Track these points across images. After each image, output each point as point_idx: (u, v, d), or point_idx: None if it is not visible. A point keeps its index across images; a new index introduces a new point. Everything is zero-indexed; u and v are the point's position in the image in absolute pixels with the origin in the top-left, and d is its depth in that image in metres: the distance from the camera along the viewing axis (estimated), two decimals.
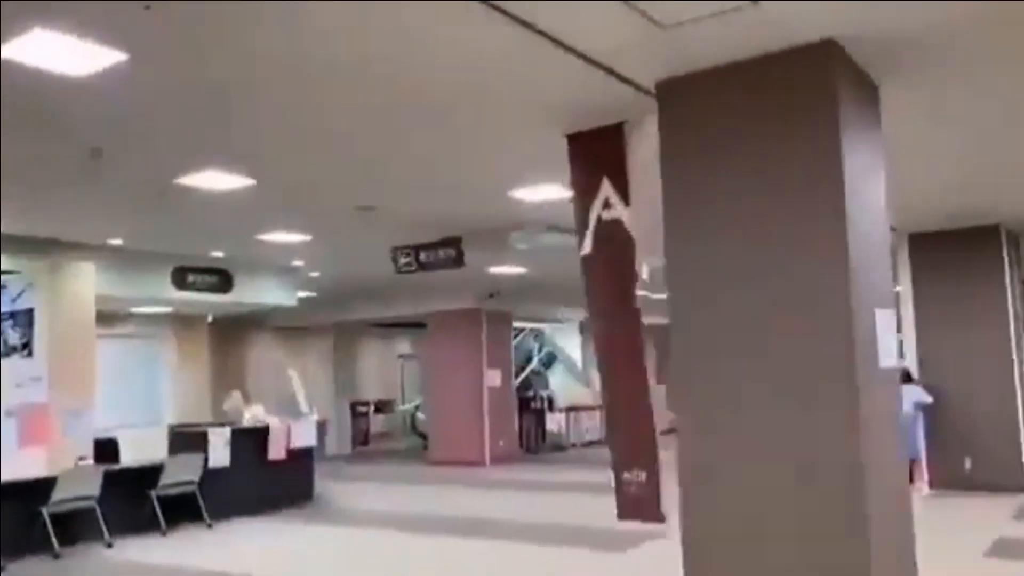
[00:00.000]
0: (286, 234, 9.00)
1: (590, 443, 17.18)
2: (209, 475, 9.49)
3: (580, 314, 18.83)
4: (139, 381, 12.66)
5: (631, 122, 5.20)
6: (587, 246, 5.43)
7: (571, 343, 21.90)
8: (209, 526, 9.23)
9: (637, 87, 4.60)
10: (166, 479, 9.04)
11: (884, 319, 4.34)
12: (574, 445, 17.22)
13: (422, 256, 8.76)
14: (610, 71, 4.40)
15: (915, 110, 5.28)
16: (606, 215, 5.45)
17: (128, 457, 9.25)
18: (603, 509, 9.79)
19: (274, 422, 10.68)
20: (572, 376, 21.28)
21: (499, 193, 7.44)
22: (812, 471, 3.93)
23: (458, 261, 8.57)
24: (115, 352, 12.10)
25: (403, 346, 23.59)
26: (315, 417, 11.21)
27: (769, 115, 4.16)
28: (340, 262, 11.33)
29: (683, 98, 4.46)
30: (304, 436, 10.76)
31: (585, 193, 5.42)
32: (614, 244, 5.30)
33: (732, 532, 4.18)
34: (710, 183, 4.36)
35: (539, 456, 16.15)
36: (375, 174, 6.68)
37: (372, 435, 20.06)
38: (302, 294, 12.67)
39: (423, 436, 19.11)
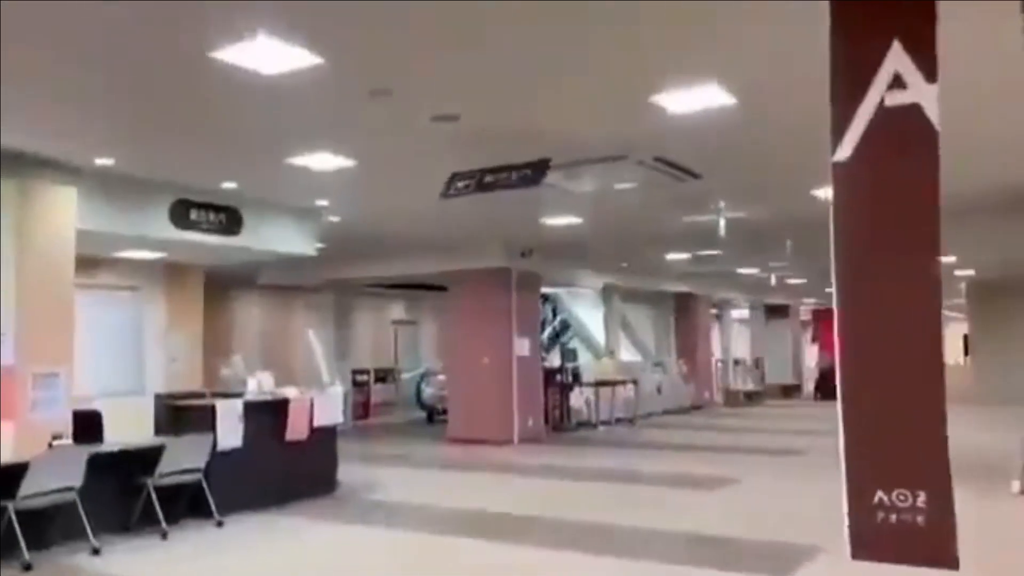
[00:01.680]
0: (329, 156, 7.06)
1: (618, 420, 15.51)
2: (217, 459, 7.61)
3: (602, 280, 17.13)
4: (120, 342, 10.60)
5: None
6: (846, 149, 3.60)
7: (587, 312, 20.20)
8: (219, 524, 7.36)
9: None
10: (167, 465, 7.13)
11: None
12: (605, 422, 15.53)
13: (487, 177, 6.90)
14: None
15: None
16: (892, 99, 3.62)
17: (114, 436, 7.35)
18: (699, 509, 8.30)
19: (292, 393, 8.79)
20: (587, 347, 19.62)
21: (636, 99, 5.61)
22: None
23: (534, 178, 6.71)
24: (92, 306, 10.05)
25: (397, 310, 21.71)
26: (340, 388, 9.32)
27: None
28: (375, 201, 9.38)
29: None
30: (329, 412, 8.88)
31: (854, 67, 3.57)
32: (903, 145, 3.47)
33: None
34: None
35: (567, 435, 14.45)
36: (471, 67, 4.84)
37: (372, 406, 18.18)
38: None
39: (430, 409, 17.36)
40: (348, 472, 9.44)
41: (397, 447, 13.27)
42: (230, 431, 7.83)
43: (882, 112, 3.48)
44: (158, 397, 9.08)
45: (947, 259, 16.00)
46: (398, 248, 13.43)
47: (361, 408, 17.53)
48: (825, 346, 30.11)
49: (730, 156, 7.57)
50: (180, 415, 8.11)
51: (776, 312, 26.66)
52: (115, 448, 7.08)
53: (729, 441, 13.33)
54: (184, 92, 5.43)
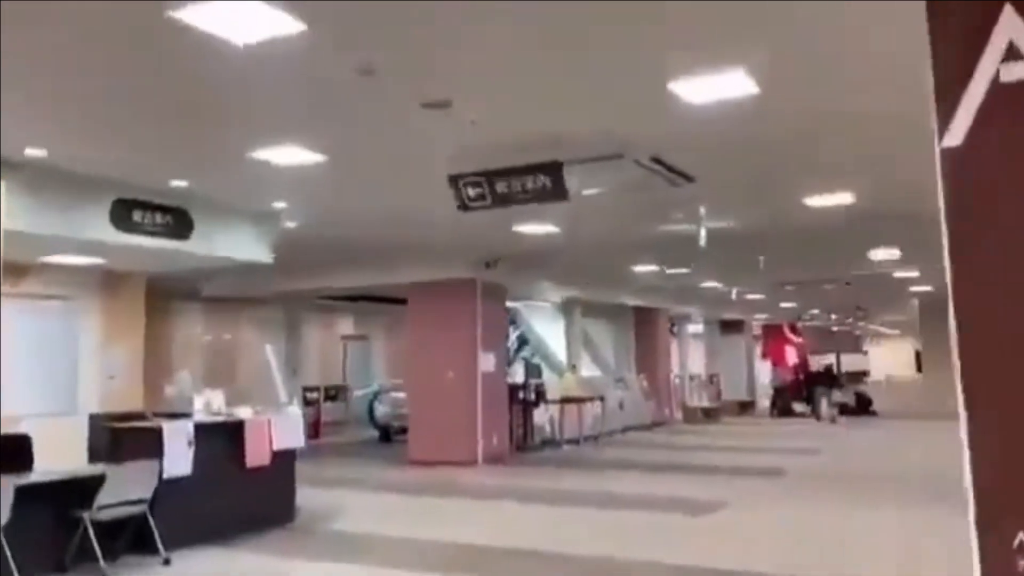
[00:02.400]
0: (298, 150, 6.34)
1: (581, 439, 14.93)
2: (164, 488, 6.77)
3: (563, 293, 16.60)
4: (50, 357, 9.59)
5: None
6: (956, 134, 3.07)
7: (545, 326, 19.65)
8: (166, 562, 6.52)
9: None
10: (107, 496, 6.26)
11: None
12: (570, 441, 14.92)
13: (499, 186, 6.25)
14: None
15: None
16: (1008, 73, 3.11)
17: (44, 462, 6.46)
18: (698, 537, 7.70)
19: (247, 414, 7.96)
20: (546, 363, 19.04)
21: (653, 84, 5.06)
22: None
23: (556, 192, 6.12)
24: (17, 317, 9.07)
25: (346, 325, 20.87)
26: (299, 409, 8.53)
27: None
28: (341, 204, 8.64)
29: None
30: (289, 434, 8.08)
31: (960, 40, 3.06)
32: None
33: None
34: None
35: (531, 455, 13.80)
36: (470, 45, 4.23)
37: (322, 425, 17.26)
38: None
39: (384, 428, 16.54)
40: (305, 498, 8.63)
41: (354, 469, 12.44)
42: (179, 456, 6.99)
43: (997, 89, 2.95)
44: (94, 418, 8.18)
45: (909, 274, 15.92)
46: (356, 258, 12.67)
47: (311, 427, 16.58)
48: (777, 362, 30.24)
49: (729, 158, 7.10)
50: (120, 439, 7.24)
51: (730, 327, 26.54)
52: (48, 478, 6.21)
53: (703, 460, 12.86)
54: (133, 64, 4.67)
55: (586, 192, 7.44)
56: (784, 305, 23.89)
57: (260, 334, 16.69)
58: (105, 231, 7.48)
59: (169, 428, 7.01)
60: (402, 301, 13.95)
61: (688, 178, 7.54)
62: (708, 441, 16.05)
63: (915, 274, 16.09)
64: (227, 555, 6.87)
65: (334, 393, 18.11)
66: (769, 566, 6.21)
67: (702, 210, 9.42)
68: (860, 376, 26.89)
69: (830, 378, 23.44)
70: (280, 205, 8.65)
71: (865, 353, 44.84)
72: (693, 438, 16.76)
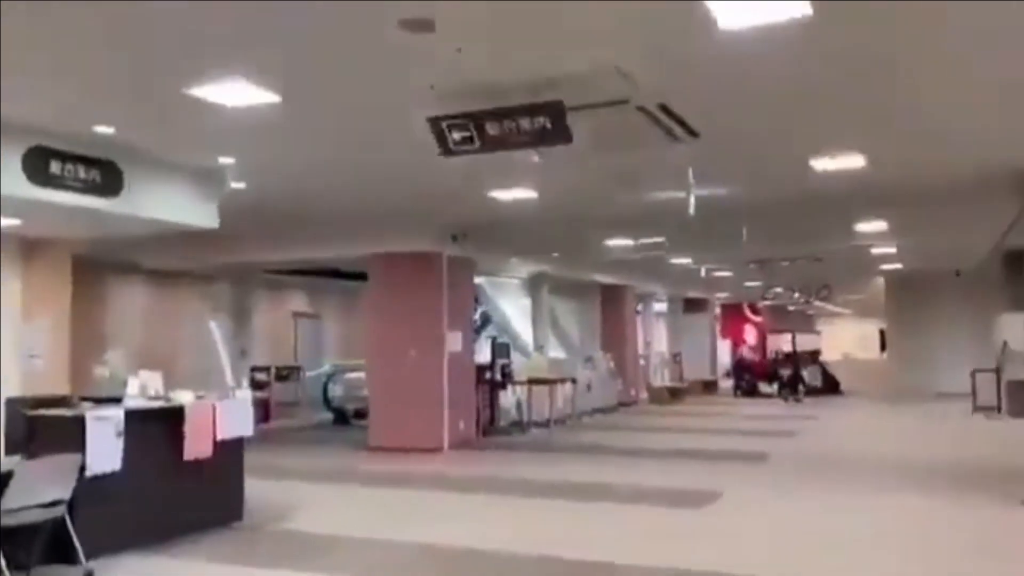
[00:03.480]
0: (245, 85, 5.32)
1: (551, 422, 14.11)
2: (87, 487, 5.76)
3: (530, 268, 15.73)
4: None
5: None
6: None
7: (510, 303, 18.78)
8: (88, 573, 5.52)
9: None
10: (17, 497, 5.22)
11: None
12: (538, 424, 14.11)
13: (489, 128, 5.32)
14: None
15: None
16: None
17: None
18: (706, 535, 6.70)
19: (188, 399, 6.95)
20: (511, 342, 18.18)
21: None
22: None
23: (558, 133, 5.21)
24: None
25: (298, 301, 19.70)
26: (248, 392, 7.52)
27: None
28: (298, 159, 7.62)
29: None
30: (236, 421, 7.07)
31: None
32: None
33: None
34: None
35: (498, 440, 12.96)
36: None
37: (272, 408, 16.17)
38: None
39: (339, 411, 15.56)
40: (254, 492, 7.65)
41: (308, 457, 11.46)
42: (105, 449, 5.96)
43: None
44: (12, 403, 7.09)
45: (886, 250, 15.44)
46: (312, 227, 11.61)
47: (262, 411, 15.50)
48: (737, 341, 29.91)
49: (744, 109, 6.28)
50: (38, 428, 6.20)
51: (693, 306, 26.03)
52: None
53: (680, 444, 12.17)
54: None
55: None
56: (749, 284, 23.38)
57: (206, 311, 15.50)
58: (17, 184, 6.35)
59: (93, 416, 5.97)
60: (357, 277, 12.96)
61: (692, 133, 6.70)
62: (680, 423, 15.40)
63: (892, 250, 15.61)
64: (161, 563, 5.90)
65: (285, 373, 17.00)
66: (792, 568, 5.48)
67: (691, 174, 8.63)
68: (814, 356, 26.66)
69: (800, 358, 23.07)
70: (226, 160, 7.59)
71: (818, 333, 45.07)
72: (663, 419, 16.11)
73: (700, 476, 9.26)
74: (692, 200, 8.92)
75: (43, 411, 6.25)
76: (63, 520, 5.57)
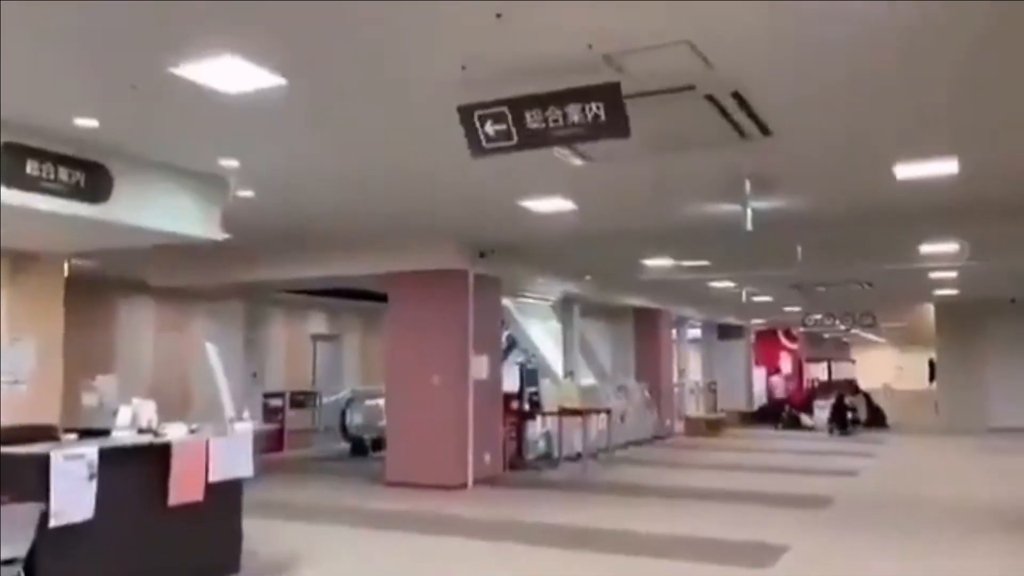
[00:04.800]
0: (239, 64, 4.44)
1: (585, 457, 13.03)
2: (51, 540, 4.87)
3: (561, 289, 14.74)
4: None
5: None
6: None
7: (536, 327, 17.78)
8: None
9: None
10: None
11: None
12: (569, 458, 13.08)
13: (530, 118, 4.40)
14: None
15: None
16: None
17: None
18: None
19: (177, 434, 6.05)
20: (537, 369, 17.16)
21: None
22: None
23: (613, 125, 4.28)
24: None
25: (317, 323, 18.87)
26: (249, 424, 6.60)
27: None
28: (310, 159, 6.74)
29: None
30: (232, 460, 6.15)
31: None
32: None
33: None
34: None
35: (526, 476, 11.94)
36: None
37: (287, 436, 15.28)
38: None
39: (357, 441, 14.62)
40: (258, 536, 6.73)
41: (322, 493, 10.51)
42: (74, 495, 5.06)
43: None
44: None
45: (946, 274, 14.34)
46: (327, 243, 10.77)
47: (274, 440, 14.63)
48: (772, 370, 28.60)
49: (831, 101, 5.31)
50: (3, 466, 5.32)
51: (728, 332, 24.89)
52: None
53: (727, 483, 11.09)
54: None
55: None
56: (788, 309, 22.25)
57: (217, 333, 14.69)
58: None
59: (60, 455, 5.07)
60: (379, 298, 12.07)
61: (765, 130, 5.76)
62: (723, 458, 14.28)
63: (952, 275, 14.49)
64: None
65: (301, 399, 16.10)
66: None
67: (748, 184, 7.67)
68: (854, 386, 25.33)
69: (849, 390, 21.85)
70: (229, 163, 6.74)
71: (853, 362, 43.59)
72: (704, 454, 14.99)
73: (756, 524, 8.20)
74: (749, 213, 7.97)
75: (5, 448, 5.36)
76: None
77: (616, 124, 4.32)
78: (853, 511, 9.16)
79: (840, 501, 9.65)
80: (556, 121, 4.37)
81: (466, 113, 4.60)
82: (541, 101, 4.40)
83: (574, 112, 4.31)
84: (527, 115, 4.40)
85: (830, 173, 7.20)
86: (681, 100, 5.06)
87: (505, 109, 4.47)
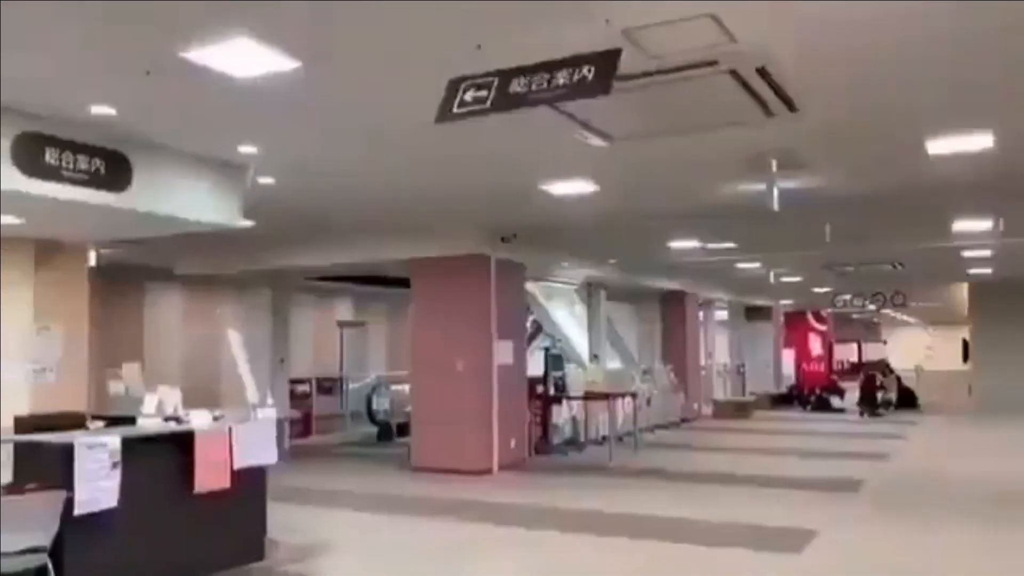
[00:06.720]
0: (251, 46, 4.37)
1: (611, 440, 12.93)
2: (75, 528, 4.89)
3: (584, 272, 14.62)
4: None
5: None
6: None
7: (561, 311, 17.69)
8: None
9: None
10: None
11: None
12: (595, 442, 13.02)
13: (515, 84, 4.28)
14: None
15: None
16: None
17: None
18: None
19: (202, 421, 6.07)
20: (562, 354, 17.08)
21: None
22: None
23: (596, 83, 4.08)
24: None
25: (344, 310, 18.92)
26: (273, 411, 6.60)
27: None
28: (326, 144, 6.68)
29: None
30: (257, 447, 6.16)
31: None
32: None
33: None
34: None
35: (552, 460, 11.88)
36: None
37: (314, 421, 15.38)
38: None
39: (383, 426, 14.67)
40: (283, 523, 6.76)
41: (346, 478, 10.54)
42: (97, 483, 5.08)
43: None
44: (20, 422, 6.31)
45: (980, 253, 14.01)
46: (349, 229, 10.75)
47: (301, 425, 14.72)
48: (801, 351, 28.22)
49: (861, 75, 5.13)
50: (29, 455, 5.36)
51: (756, 313, 24.60)
52: None
53: (756, 468, 10.95)
54: None
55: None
56: (817, 290, 21.93)
57: (244, 320, 14.78)
58: (8, 177, 5.54)
59: (84, 444, 5.09)
60: (404, 283, 12.05)
61: (791, 106, 5.60)
62: (751, 442, 14.14)
63: (986, 253, 14.16)
64: None
65: (328, 386, 16.19)
66: None
67: (773, 163, 7.49)
68: (886, 367, 24.92)
69: (881, 371, 21.55)
70: (248, 150, 6.70)
71: (884, 343, 42.93)
72: (732, 438, 14.85)
73: (786, 509, 8.09)
74: (775, 193, 7.79)
75: (25, 436, 5.41)
76: (45, 569, 4.71)
77: (599, 83, 4.13)
78: (884, 495, 9.02)
79: (871, 484, 9.50)
80: (540, 85, 4.23)
81: (453, 86, 4.49)
82: (532, 69, 4.27)
83: (562, 76, 4.17)
84: (513, 81, 4.28)
85: (859, 150, 7.00)
86: (703, 77, 4.92)
87: (494, 79, 4.35)
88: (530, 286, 15.28)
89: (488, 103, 4.40)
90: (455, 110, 4.42)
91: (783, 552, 6.35)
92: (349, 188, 8.32)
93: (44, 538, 4.65)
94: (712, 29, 4.28)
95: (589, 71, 4.11)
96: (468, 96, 4.44)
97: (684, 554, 6.45)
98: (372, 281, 15.68)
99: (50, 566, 4.69)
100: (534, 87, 4.25)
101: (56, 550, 4.75)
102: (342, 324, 18.57)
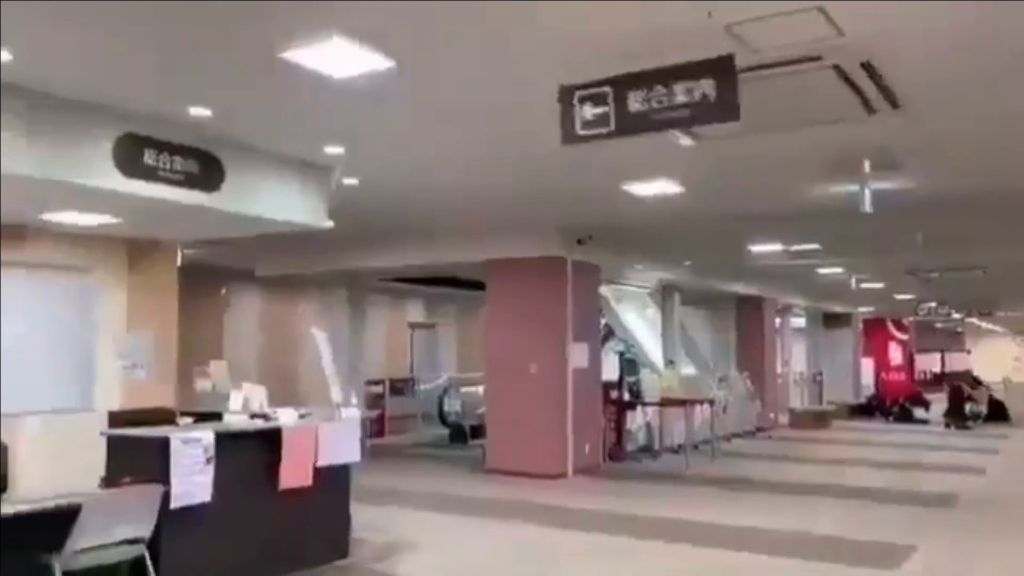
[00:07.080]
0: (345, 47, 4.39)
1: (688, 448, 12.66)
2: (171, 521, 4.98)
3: (659, 276, 14.38)
4: (60, 340, 7.89)
5: None
6: None
7: (633, 315, 17.44)
8: None
9: None
10: (87, 535, 4.47)
11: None
12: (671, 450, 12.80)
13: (632, 101, 4.17)
14: None
15: None
16: None
17: (40, 479, 4.84)
18: None
19: (288, 419, 6.14)
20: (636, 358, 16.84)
21: None
22: None
23: (721, 107, 3.97)
24: (17, 291, 7.39)
25: (415, 311, 19.05)
26: (356, 412, 6.64)
27: None
28: (416, 144, 6.70)
29: None
30: (341, 445, 6.20)
31: None
32: None
33: None
34: None
35: (626, 467, 11.70)
36: None
37: (388, 422, 15.52)
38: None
39: (455, 427, 14.69)
40: (364, 521, 6.78)
41: (422, 479, 10.58)
42: (192, 478, 5.17)
43: None
44: (116, 418, 6.51)
45: None
46: (426, 230, 10.80)
47: (376, 425, 14.86)
48: (881, 361, 27.26)
49: (968, 70, 4.89)
50: (124, 448, 5.49)
51: (834, 321, 23.90)
52: (9, 510, 4.46)
53: (842, 479, 10.57)
54: None
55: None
56: (899, 296, 21.16)
57: (322, 321, 15.00)
58: (108, 176, 5.70)
59: (179, 439, 5.19)
60: (475, 285, 12.05)
61: (894, 103, 5.36)
62: (833, 452, 13.70)
63: None
64: None
65: (400, 386, 16.32)
66: None
67: (867, 164, 7.21)
68: (973, 378, 23.90)
69: (970, 383, 20.70)
70: (335, 150, 6.77)
71: (968, 352, 41.21)
72: (812, 448, 14.41)
73: (880, 523, 7.77)
74: (868, 194, 7.50)
75: (122, 431, 5.54)
76: (143, 560, 4.80)
77: (726, 106, 4.01)
78: (983, 510, 8.60)
79: (968, 499, 9.08)
80: (660, 102, 4.11)
81: (566, 94, 4.41)
82: (646, 79, 4.15)
83: (680, 92, 4.04)
84: (630, 96, 4.17)
85: (964, 149, 6.69)
86: (803, 73, 4.74)
87: (607, 89, 4.25)
88: (602, 289, 15.15)
89: (613, 125, 4.30)
90: (579, 131, 4.34)
91: (882, 568, 6.08)
92: (429, 188, 8.33)
93: (144, 529, 4.75)
94: (819, 22, 4.12)
95: (711, 88, 3.98)
96: (588, 114, 4.35)
97: (782, 568, 6.23)
98: (442, 283, 15.75)
99: (147, 557, 4.79)
100: (654, 104, 4.13)
101: (152, 543, 4.85)
102: (413, 325, 18.71)
